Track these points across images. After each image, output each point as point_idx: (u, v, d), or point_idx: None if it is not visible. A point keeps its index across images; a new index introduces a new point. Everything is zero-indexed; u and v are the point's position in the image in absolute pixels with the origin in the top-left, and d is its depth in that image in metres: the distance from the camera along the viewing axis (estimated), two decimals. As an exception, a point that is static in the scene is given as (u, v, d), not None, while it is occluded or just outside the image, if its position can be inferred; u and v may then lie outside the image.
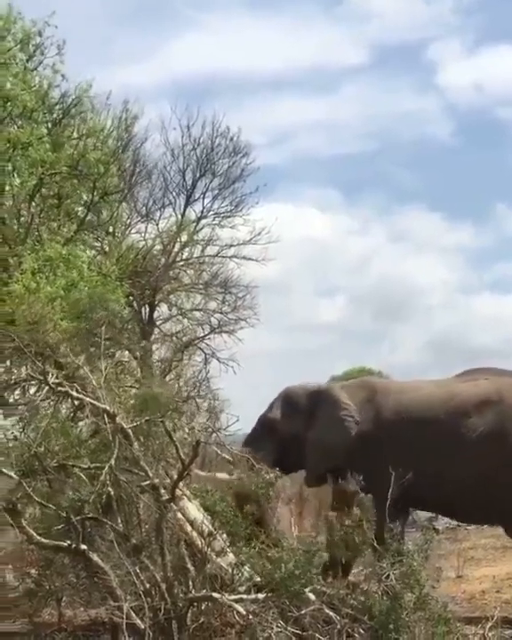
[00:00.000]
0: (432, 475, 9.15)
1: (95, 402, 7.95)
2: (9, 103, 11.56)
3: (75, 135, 12.98)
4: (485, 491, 9.23)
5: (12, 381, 9.75)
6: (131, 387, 9.37)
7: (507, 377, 10.00)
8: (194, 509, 8.44)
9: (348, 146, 45.25)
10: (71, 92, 17.23)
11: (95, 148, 12.91)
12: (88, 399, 8.02)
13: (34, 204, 12.24)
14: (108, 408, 7.92)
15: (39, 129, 12.11)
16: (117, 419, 7.94)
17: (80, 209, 13.28)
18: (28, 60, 12.60)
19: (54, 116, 13.12)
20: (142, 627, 7.22)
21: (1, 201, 11.89)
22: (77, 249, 11.28)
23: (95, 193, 12.81)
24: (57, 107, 13.16)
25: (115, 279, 12.30)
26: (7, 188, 11.89)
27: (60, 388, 8.10)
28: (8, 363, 9.74)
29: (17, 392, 9.90)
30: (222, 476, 9.23)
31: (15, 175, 11.90)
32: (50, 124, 12.90)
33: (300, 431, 10.08)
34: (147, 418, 7.90)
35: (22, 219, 12.21)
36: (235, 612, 7.35)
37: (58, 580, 8.15)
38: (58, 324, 8.67)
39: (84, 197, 13.07)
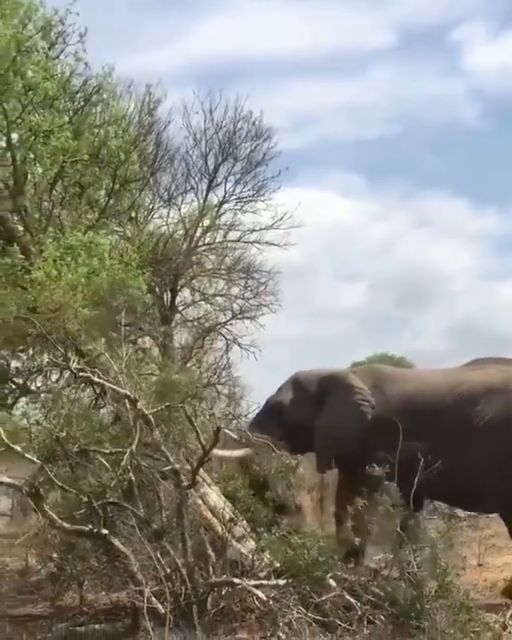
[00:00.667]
0: (439, 463, 9.01)
1: (116, 387, 7.96)
2: (30, 91, 11.55)
3: (96, 123, 13.00)
4: (492, 480, 9.14)
5: (35, 368, 9.79)
6: (151, 374, 9.32)
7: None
8: (214, 495, 8.44)
9: (373, 130, 44.80)
10: (93, 77, 17.52)
11: (116, 136, 12.84)
12: (109, 385, 8.03)
13: (55, 192, 12.18)
14: (129, 393, 7.94)
15: (61, 117, 12.03)
16: (138, 404, 7.96)
17: (102, 197, 13.28)
18: (49, 48, 12.47)
19: (76, 103, 13.13)
20: (163, 611, 7.24)
21: (23, 189, 11.92)
22: (99, 236, 11.26)
23: (116, 180, 12.77)
24: (78, 94, 13.16)
25: (136, 265, 12.30)
26: (29, 176, 11.93)
27: (81, 374, 8.11)
28: (30, 350, 9.78)
29: (39, 379, 9.96)
30: (238, 452, 9.17)
31: (37, 164, 11.81)
32: (71, 112, 12.89)
33: (310, 416, 9.99)
34: (167, 404, 7.89)
35: (44, 206, 12.23)
36: (255, 598, 7.36)
37: (79, 565, 8.18)
38: (79, 311, 8.66)
39: (106, 185, 13.06)
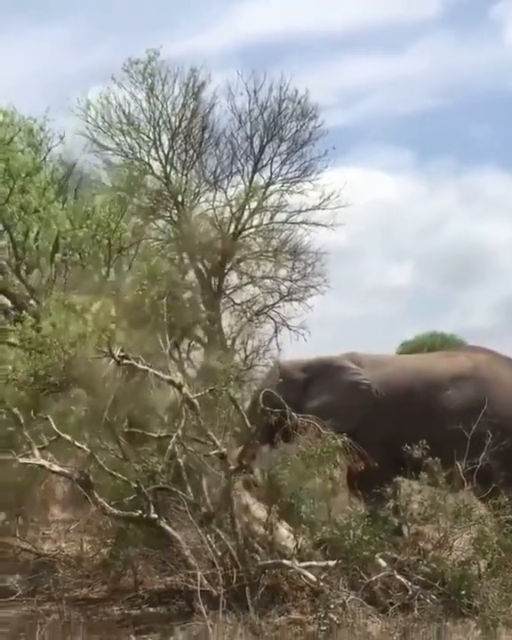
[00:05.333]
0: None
1: (159, 373, 8.00)
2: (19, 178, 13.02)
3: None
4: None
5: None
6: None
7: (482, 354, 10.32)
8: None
9: (421, 104, 43.96)
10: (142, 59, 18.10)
11: (103, 207, 14.18)
12: (152, 370, 8.07)
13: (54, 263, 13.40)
14: (173, 379, 7.97)
15: (49, 192, 13.46)
16: (183, 389, 7.99)
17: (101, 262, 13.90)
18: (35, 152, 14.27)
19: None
20: (216, 594, 7.29)
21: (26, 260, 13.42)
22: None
23: (111, 250, 13.66)
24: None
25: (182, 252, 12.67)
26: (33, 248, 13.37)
27: (125, 362, 8.16)
28: None
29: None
30: None
31: (35, 239, 13.34)
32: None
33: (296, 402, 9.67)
34: (211, 388, 7.91)
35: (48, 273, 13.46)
36: (304, 577, 7.36)
37: (133, 550, 8.26)
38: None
39: (101, 255, 13.86)
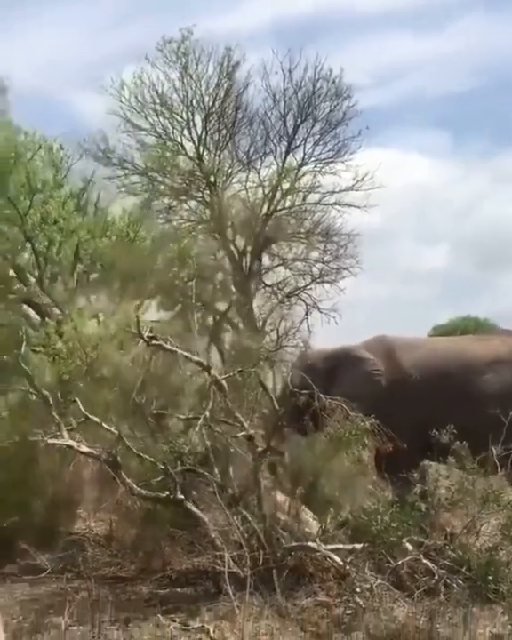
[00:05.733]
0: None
1: (188, 354, 7.99)
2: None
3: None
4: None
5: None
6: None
7: None
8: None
9: (457, 84, 43.35)
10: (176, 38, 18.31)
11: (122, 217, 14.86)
12: (180, 351, 8.07)
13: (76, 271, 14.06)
14: (201, 360, 7.96)
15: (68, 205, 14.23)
16: (212, 370, 7.99)
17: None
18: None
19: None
20: (242, 575, 7.30)
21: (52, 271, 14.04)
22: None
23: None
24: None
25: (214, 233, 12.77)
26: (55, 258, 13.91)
27: (153, 342, 8.16)
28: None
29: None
30: None
31: (57, 250, 13.94)
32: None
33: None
34: (239, 369, 7.90)
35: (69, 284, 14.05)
36: (329, 560, 7.36)
37: (160, 530, 8.31)
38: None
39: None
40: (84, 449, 7.93)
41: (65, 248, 13.83)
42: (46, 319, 11.98)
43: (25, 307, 13.90)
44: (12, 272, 13.90)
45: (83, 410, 8.12)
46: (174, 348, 8.07)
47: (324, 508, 7.83)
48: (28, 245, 13.84)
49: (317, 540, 7.40)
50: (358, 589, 6.84)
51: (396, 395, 9.64)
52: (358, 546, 7.33)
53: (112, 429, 7.96)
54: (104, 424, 8.00)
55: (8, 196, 13.27)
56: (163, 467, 7.72)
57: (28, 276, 13.99)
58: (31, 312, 13.80)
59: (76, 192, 15.21)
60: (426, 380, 9.73)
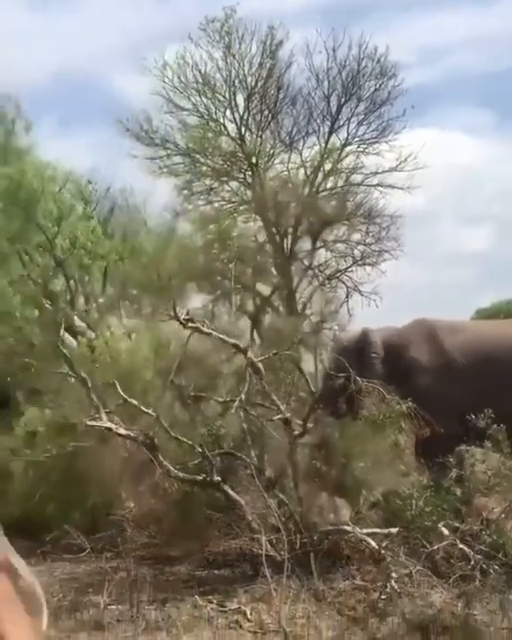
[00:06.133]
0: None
1: (224, 336, 7.98)
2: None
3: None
4: None
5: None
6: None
7: None
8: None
9: (503, 62, 42.43)
10: (219, 17, 18.28)
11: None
12: (216, 334, 8.06)
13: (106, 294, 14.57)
14: (238, 343, 7.95)
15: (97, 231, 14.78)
16: (248, 353, 7.97)
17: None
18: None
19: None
20: (279, 558, 7.31)
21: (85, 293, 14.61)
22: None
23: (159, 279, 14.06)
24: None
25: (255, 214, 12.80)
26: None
27: (190, 325, 8.16)
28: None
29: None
30: None
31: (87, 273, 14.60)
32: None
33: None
34: (274, 351, 7.87)
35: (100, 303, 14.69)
36: (365, 543, 7.33)
37: (198, 513, 8.34)
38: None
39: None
40: (122, 431, 7.99)
41: (94, 271, 14.44)
42: (79, 338, 12.30)
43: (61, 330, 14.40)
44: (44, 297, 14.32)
45: (121, 392, 8.17)
46: (210, 331, 8.07)
47: (356, 490, 7.77)
48: (60, 270, 14.36)
49: (352, 522, 7.37)
50: (394, 574, 6.80)
51: (439, 379, 9.51)
52: (394, 530, 7.28)
53: (150, 412, 8.00)
54: (142, 407, 8.04)
55: (37, 222, 13.75)
56: (199, 449, 7.74)
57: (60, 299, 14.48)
58: (66, 335, 14.15)
59: (104, 218, 15.87)
60: (470, 364, 9.56)
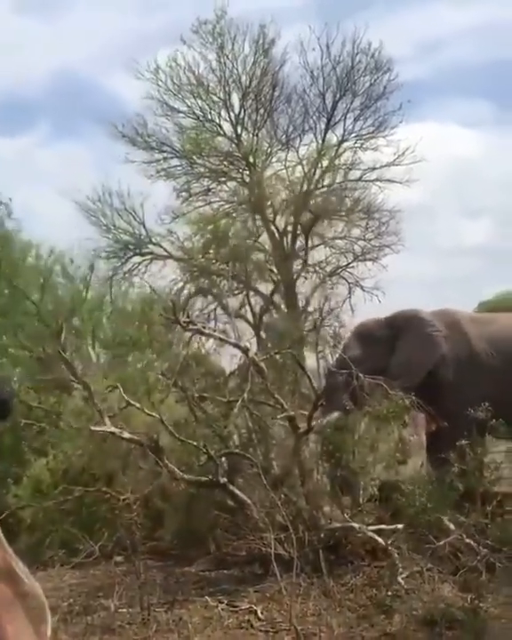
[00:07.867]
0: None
1: (223, 337, 8.00)
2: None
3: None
4: None
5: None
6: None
7: None
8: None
9: (502, 53, 42.25)
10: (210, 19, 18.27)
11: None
12: (217, 335, 8.08)
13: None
14: (239, 343, 7.97)
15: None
16: (250, 352, 7.98)
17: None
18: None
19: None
20: (288, 557, 7.32)
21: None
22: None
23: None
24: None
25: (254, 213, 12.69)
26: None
27: (191, 327, 8.17)
28: None
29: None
30: None
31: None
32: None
33: (385, 360, 9.33)
34: (275, 351, 7.88)
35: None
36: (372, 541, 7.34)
37: (205, 514, 8.35)
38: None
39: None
40: (127, 435, 7.99)
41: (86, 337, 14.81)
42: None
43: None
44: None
45: (124, 396, 8.17)
46: (211, 333, 8.08)
47: (359, 485, 7.78)
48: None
49: (354, 517, 7.38)
50: (401, 571, 6.81)
51: (463, 371, 9.40)
52: (400, 526, 7.28)
53: (153, 414, 8.00)
54: (145, 409, 8.05)
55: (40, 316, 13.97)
56: (204, 450, 7.75)
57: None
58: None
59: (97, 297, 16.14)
60: (497, 356, 9.50)
